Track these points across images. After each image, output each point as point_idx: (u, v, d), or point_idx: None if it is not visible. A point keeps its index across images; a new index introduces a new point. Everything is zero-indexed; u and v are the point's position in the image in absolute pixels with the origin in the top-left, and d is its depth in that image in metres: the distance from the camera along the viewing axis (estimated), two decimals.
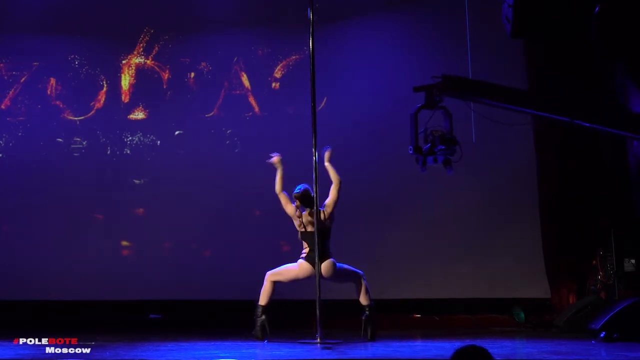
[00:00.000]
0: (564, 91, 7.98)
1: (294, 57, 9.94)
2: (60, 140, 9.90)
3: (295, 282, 6.99)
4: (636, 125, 6.60)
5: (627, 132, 6.68)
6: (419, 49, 9.54)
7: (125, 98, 10.02)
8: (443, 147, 6.26)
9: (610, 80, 8.01)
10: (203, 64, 10.03)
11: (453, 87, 6.40)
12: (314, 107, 7.04)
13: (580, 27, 6.83)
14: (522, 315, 8.57)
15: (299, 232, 7.00)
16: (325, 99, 9.55)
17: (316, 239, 6.73)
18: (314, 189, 6.87)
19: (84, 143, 9.92)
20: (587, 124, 6.59)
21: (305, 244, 6.94)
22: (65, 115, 9.97)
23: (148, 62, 10.06)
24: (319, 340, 6.59)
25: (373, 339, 6.78)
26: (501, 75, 8.31)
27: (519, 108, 6.71)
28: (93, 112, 9.98)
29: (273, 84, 9.96)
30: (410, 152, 6.37)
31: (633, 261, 7.96)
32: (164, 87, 10.04)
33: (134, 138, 9.92)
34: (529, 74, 9.05)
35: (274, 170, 7.16)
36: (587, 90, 8.22)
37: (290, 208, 7.00)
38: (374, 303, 6.95)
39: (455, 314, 8.97)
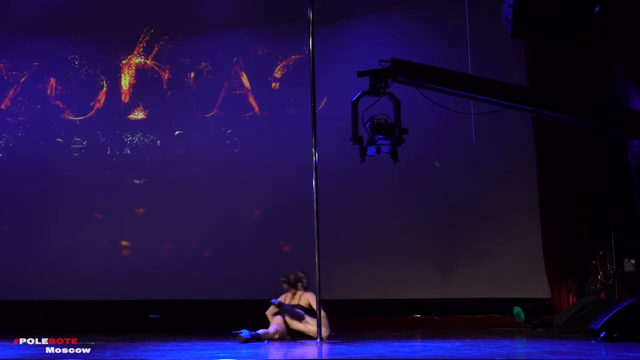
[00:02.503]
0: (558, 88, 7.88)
1: (294, 57, 9.93)
2: (60, 140, 9.90)
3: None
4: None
5: (566, 116, 6.30)
6: (419, 49, 9.53)
7: (125, 98, 10.02)
8: (382, 137, 5.78)
9: (610, 80, 7.99)
10: (203, 64, 10.03)
11: (402, 72, 5.92)
12: (314, 107, 7.02)
13: (580, 27, 6.81)
14: (522, 315, 8.56)
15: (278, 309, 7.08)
16: (325, 99, 9.55)
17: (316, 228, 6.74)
18: (314, 188, 6.83)
19: (84, 143, 9.92)
20: (550, 113, 6.26)
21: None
22: (65, 115, 9.97)
23: (148, 62, 10.06)
24: (319, 340, 6.60)
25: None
26: (501, 75, 8.30)
27: (474, 95, 6.26)
28: (93, 112, 9.99)
29: (273, 84, 9.95)
30: (350, 143, 5.92)
31: (633, 261, 7.93)
32: (164, 87, 10.04)
33: (134, 138, 9.92)
34: (528, 74, 9.05)
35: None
36: (586, 90, 8.21)
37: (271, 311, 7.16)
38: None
39: (455, 314, 8.97)
